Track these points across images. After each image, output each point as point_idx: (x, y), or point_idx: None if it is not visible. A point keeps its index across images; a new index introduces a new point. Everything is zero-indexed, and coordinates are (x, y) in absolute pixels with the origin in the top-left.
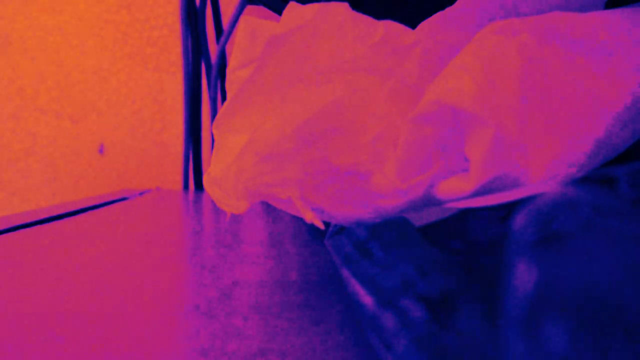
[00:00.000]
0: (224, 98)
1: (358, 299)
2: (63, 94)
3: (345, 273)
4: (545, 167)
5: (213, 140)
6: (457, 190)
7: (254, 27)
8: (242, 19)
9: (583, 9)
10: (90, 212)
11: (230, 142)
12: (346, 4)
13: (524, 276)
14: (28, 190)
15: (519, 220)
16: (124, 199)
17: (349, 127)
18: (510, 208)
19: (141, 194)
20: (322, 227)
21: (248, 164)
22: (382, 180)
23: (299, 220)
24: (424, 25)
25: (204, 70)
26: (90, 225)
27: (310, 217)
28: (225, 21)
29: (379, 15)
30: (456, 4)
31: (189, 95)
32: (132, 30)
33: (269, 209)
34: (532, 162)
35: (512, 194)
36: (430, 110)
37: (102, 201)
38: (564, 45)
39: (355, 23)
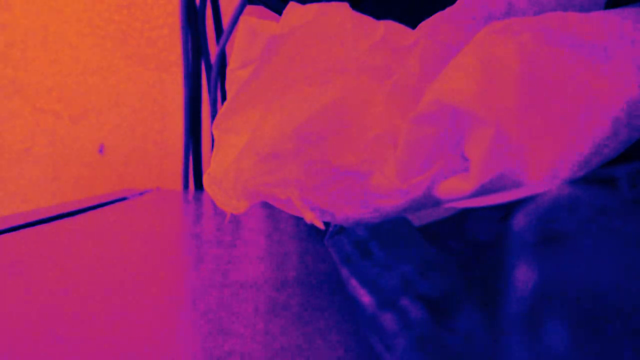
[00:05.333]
0: (224, 98)
1: (358, 299)
2: (63, 94)
3: (345, 273)
4: (545, 167)
5: (213, 140)
6: (457, 190)
7: (254, 27)
8: (242, 19)
9: (583, 9)
10: (90, 212)
11: (230, 142)
12: (346, 4)
13: (524, 276)
14: (28, 190)
15: (519, 220)
16: (124, 199)
17: (348, 128)
18: (510, 208)
19: (141, 194)
20: (322, 227)
21: (248, 164)
22: (382, 180)
23: (299, 220)
24: (424, 25)
25: (204, 70)
26: (90, 225)
27: (310, 217)
28: (225, 21)
29: (379, 15)
30: (456, 4)
31: (189, 95)
32: (132, 30)
33: (269, 209)
34: (532, 162)
35: (512, 194)
36: (430, 110)
37: (102, 201)
38: (564, 46)
39: (355, 23)
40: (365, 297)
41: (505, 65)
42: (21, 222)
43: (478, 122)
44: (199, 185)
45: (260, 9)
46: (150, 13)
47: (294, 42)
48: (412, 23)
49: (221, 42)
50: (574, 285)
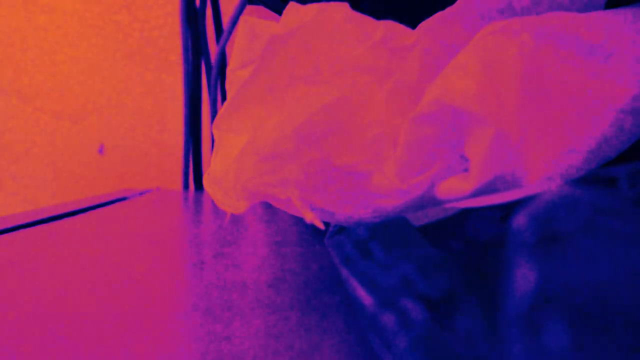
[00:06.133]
0: (224, 98)
1: (358, 299)
2: (63, 94)
3: (345, 273)
4: (545, 167)
5: (213, 140)
6: (457, 190)
7: (254, 27)
8: (242, 19)
9: (583, 9)
10: (90, 212)
11: (230, 142)
12: (346, 4)
13: (524, 276)
14: (28, 190)
15: (519, 220)
16: (124, 199)
17: (348, 127)
18: (510, 208)
19: (141, 194)
20: (322, 227)
21: (248, 164)
22: (382, 180)
23: (299, 220)
24: (424, 25)
25: (204, 70)
26: (90, 225)
27: (310, 217)
28: (225, 21)
29: (379, 15)
30: (456, 4)
31: (189, 95)
32: (132, 30)
33: (269, 209)
34: (532, 162)
35: (512, 194)
36: (430, 110)
37: (102, 201)
38: (564, 46)
39: (355, 23)
40: (365, 297)
41: (506, 65)
42: (21, 222)
43: (478, 122)
44: (199, 185)
45: (260, 9)
46: (150, 13)
47: (294, 42)
48: (412, 23)
49: (221, 42)
50: (573, 285)
